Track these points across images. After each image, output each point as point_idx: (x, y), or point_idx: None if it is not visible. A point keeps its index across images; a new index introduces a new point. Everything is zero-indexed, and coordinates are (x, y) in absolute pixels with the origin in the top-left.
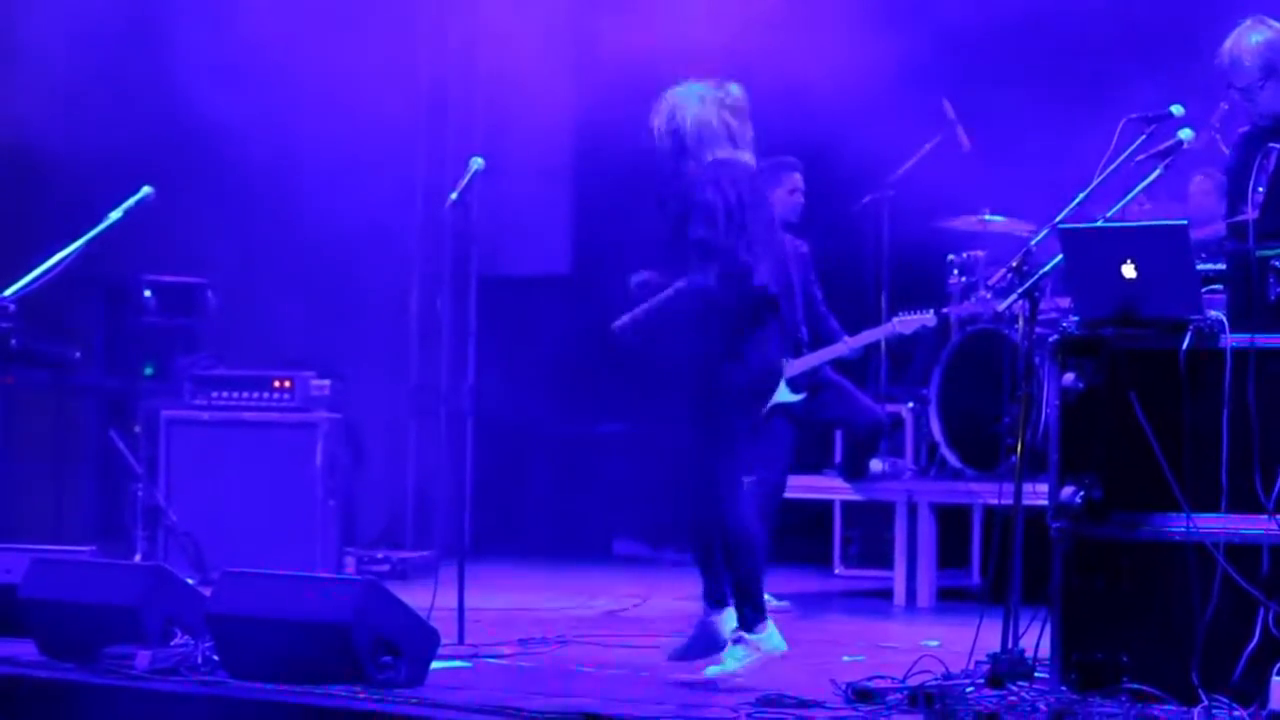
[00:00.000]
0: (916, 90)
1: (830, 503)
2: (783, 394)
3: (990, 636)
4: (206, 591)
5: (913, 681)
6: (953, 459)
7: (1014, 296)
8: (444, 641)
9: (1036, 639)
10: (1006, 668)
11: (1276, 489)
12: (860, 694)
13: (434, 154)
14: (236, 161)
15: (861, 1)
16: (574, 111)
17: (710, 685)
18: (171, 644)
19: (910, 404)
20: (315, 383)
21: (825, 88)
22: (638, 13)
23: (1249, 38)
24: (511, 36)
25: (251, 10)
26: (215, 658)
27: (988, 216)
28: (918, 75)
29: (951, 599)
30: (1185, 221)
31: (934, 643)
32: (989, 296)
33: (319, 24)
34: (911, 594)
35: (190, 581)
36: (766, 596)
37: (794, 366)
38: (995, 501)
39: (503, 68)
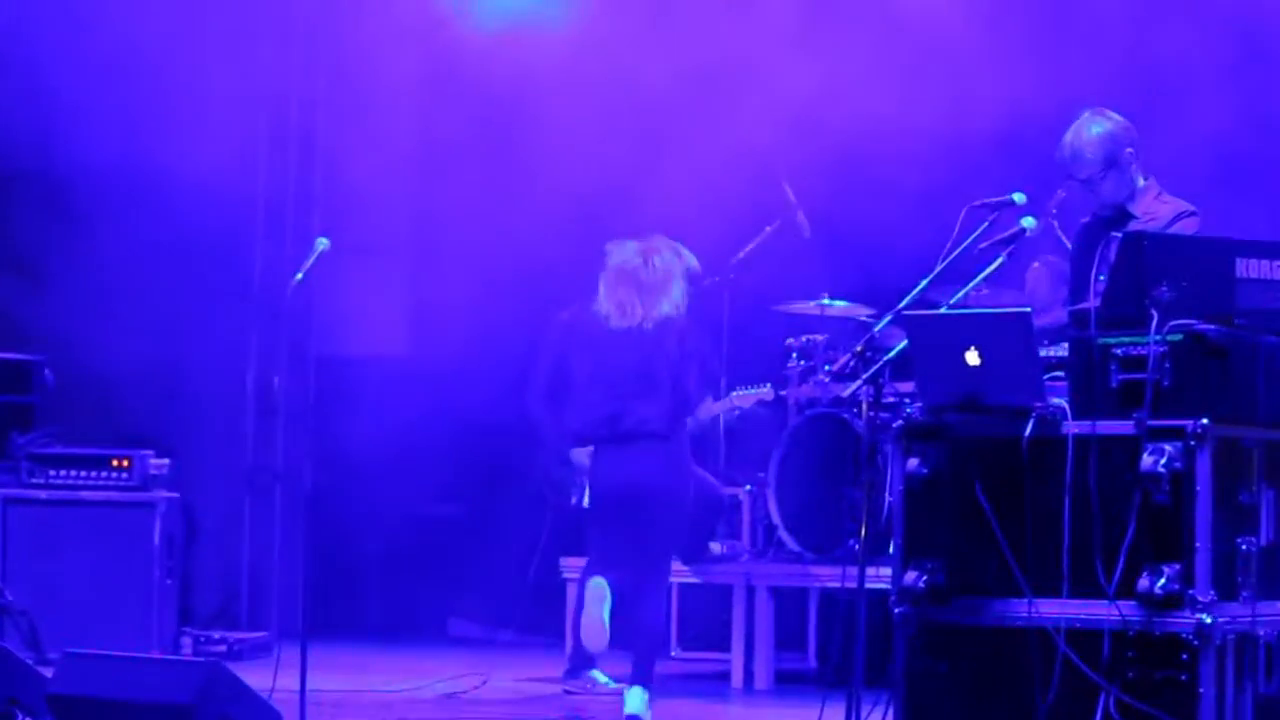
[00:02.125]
0: (758, 174)
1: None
2: None
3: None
4: (46, 672)
5: None
6: (791, 542)
7: (858, 382)
8: None
9: None
10: None
11: (1117, 575)
12: None
13: (272, 232)
14: (74, 237)
15: (702, 87)
16: (413, 193)
17: None
18: None
19: (748, 486)
20: (154, 461)
21: (666, 170)
22: (478, 98)
23: (1089, 129)
24: (351, 116)
25: (90, 86)
26: None
27: (826, 301)
28: (759, 159)
29: (790, 682)
30: (1029, 309)
31: None
32: (828, 380)
33: (160, 100)
34: (749, 677)
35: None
36: (601, 677)
37: None
38: (834, 584)
39: (342, 146)
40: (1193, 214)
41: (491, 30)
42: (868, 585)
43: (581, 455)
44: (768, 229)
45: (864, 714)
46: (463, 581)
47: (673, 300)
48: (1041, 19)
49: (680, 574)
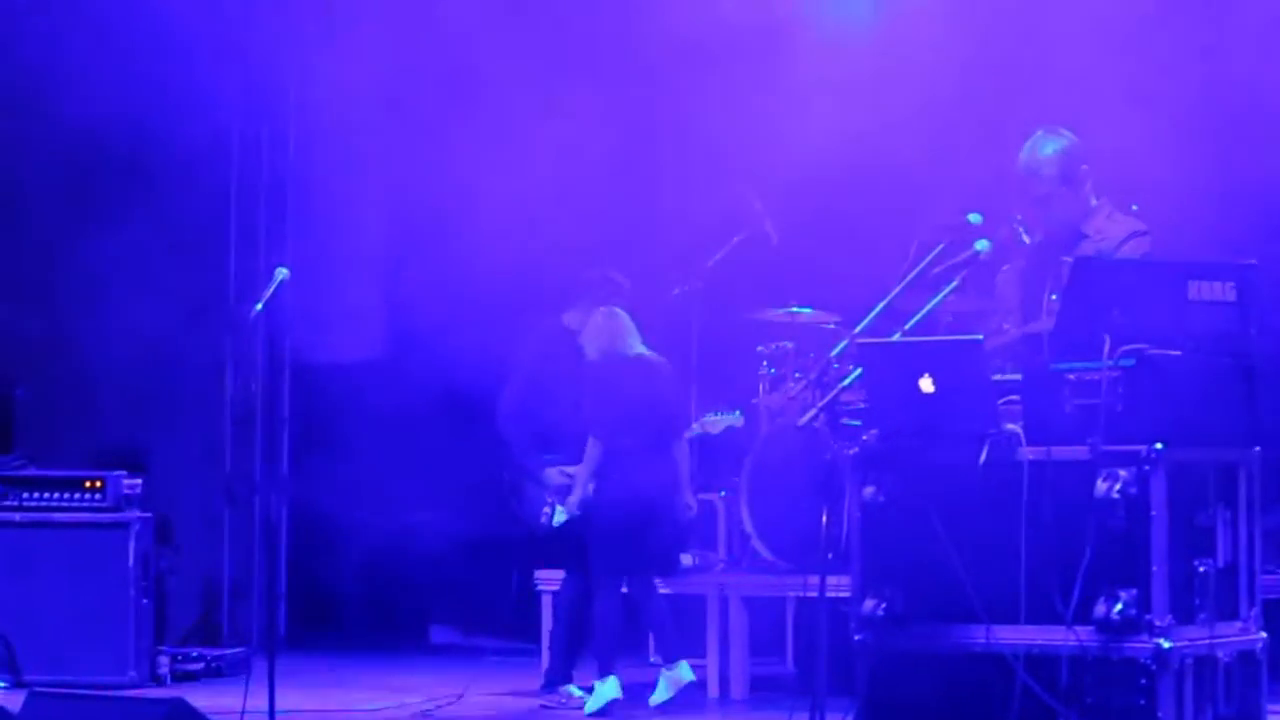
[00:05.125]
0: (724, 183)
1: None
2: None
3: None
4: (17, 697)
5: None
6: (764, 551)
7: (813, 411)
8: None
9: None
10: None
11: (1074, 600)
12: None
13: (246, 239)
14: (44, 250)
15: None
16: (388, 198)
17: None
18: None
19: (721, 493)
20: (127, 481)
21: (634, 178)
22: (453, 99)
23: (1044, 147)
24: (324, 120)
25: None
26: None
27: (795, 309)
28: (725, 168)
29: (766, 688)
30: (980, 337)
31: None
32: (797, 391)
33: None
34: (725, 685)
35: (2, 684)
36: (576, 691)
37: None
38: (807, 594)
39: (317, 152)
40: (1145, 233)
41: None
42: (840, 595)
43: (554, 475)
44: (735, 238)
45: None
46: (443, 589)
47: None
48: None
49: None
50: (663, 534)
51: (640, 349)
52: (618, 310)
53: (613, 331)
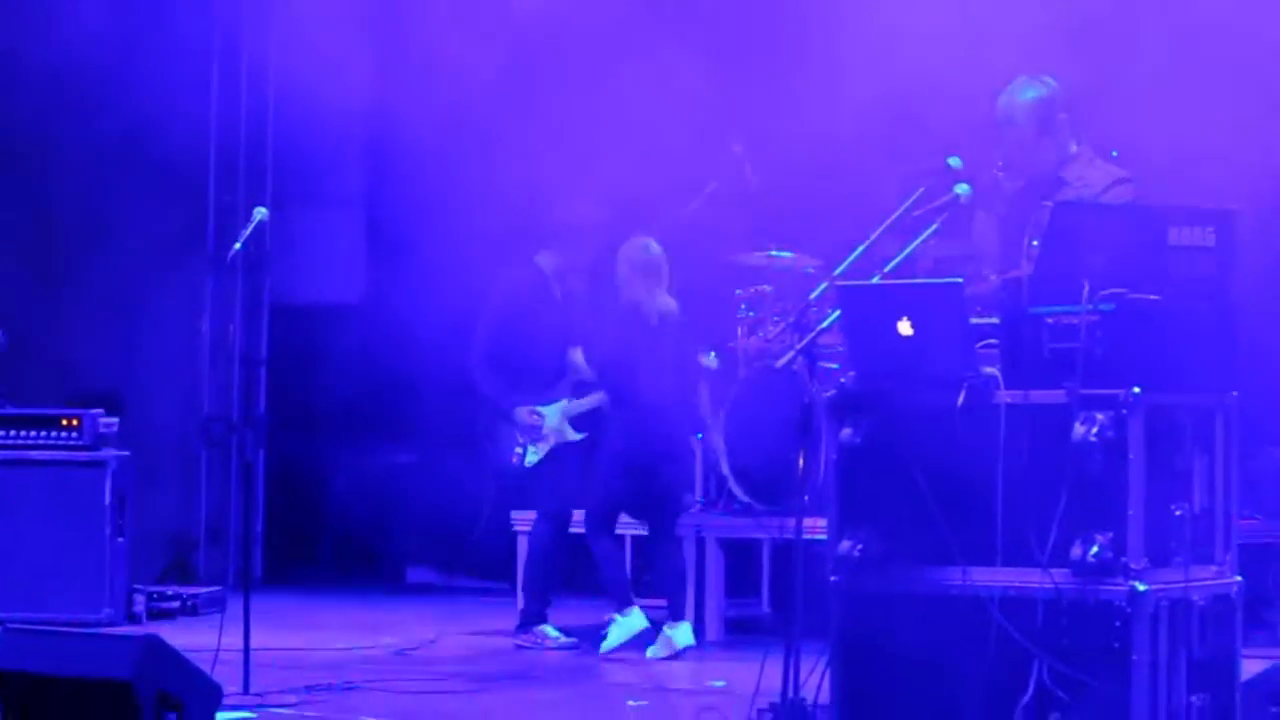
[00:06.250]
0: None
1: (621, 537)
2: (567, 434)
3: (776, 675)
4: None
5: None
6: (741, 493)
7: (791, 354)
8: (229, 690)
9: (818, 685)
10: (787, 717)
11: (1050, 543)
12: None
13: (225, 180)
14: (20, 190)
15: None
16: (366, 140)
17: None
18: None
19: (699, 435)
20: (104, 420)
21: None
22: (431, 46)
23: (1023, 94)
24: (302, 61)
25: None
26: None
27: (774, 252)
28: (706, 112)
29: (742, 630)
30: (960, 279)
31: (720, 683)
32: (775, 334)
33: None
34: (700, 626)
35: None
36: (552, 631)
37: (575, 406)
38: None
39: (295, 93)
40: (1128, 180)
41: None
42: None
43: (524, 415)
44: (714, 182)
45: (805, 670)
46: (421, 529)
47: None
48: None
49: (631, 526)
50: (671, 479)
51: (665, 296)
52: (652, 245)
53: (647, 270)
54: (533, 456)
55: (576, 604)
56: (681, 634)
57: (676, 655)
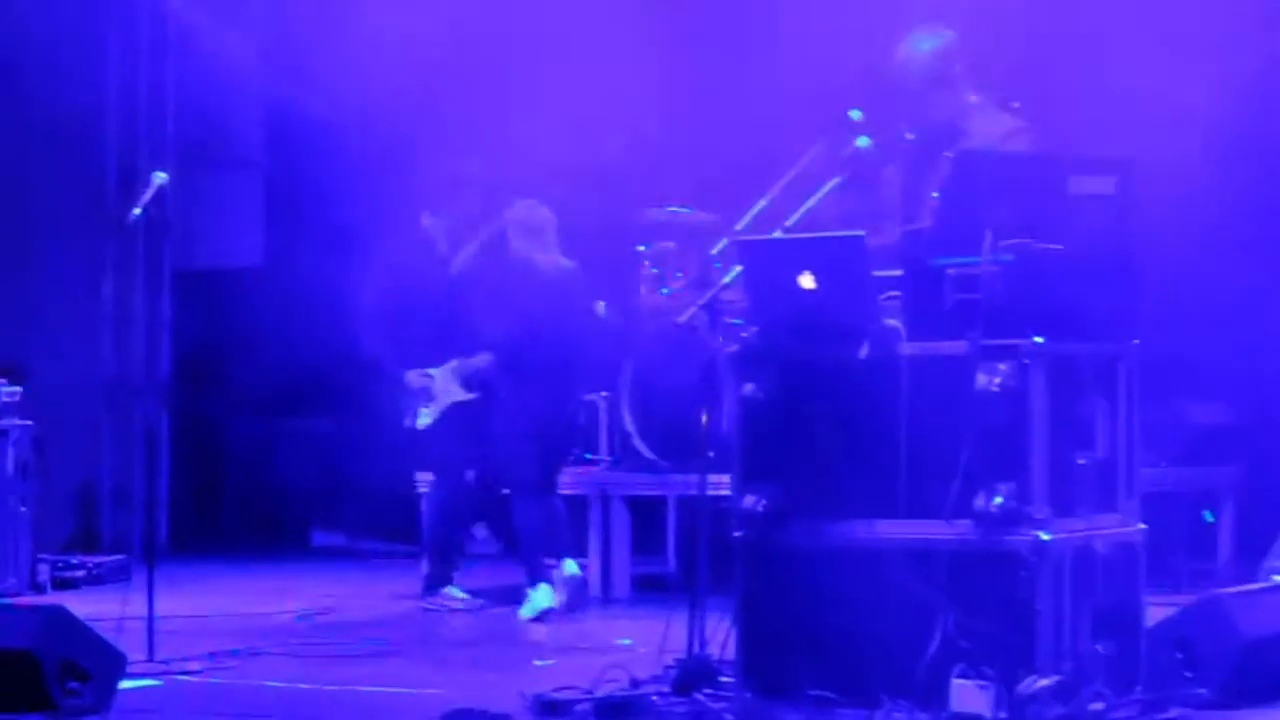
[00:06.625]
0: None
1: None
2: (457, 394)
3: (682, 632)
4: None
5: (600, 691)
6: (645, 450)
7: (692, 309)
8: (133, 658)
9: (724, 640)
10: (693, 674)
11: (953, 495)
12: (547, 706)
13: (125, 144)
14: None
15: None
16: (264, 102)
17: (397, 701)
18: None
19: (604, 393)
20: (5, 389)
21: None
22: (331, 8)
23: (919, 46)
24: (203, 26)
25: None
26: None
27: (676, 208)
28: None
29: (648, 589)
30: (862, 233)
31: (626, 641)
32: (677, 290)
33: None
34: (607, 584)
35: None
36: (458, 593)
37: (466, 366)
38: (688, 494)
39: (195, 56)
40: (1025, 130)
41: None
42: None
43: (415, 377)
44: (618, 139)
45: (710, 627)
46: (325, 493)
47: None
48: None
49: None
50: (554, 439)
51: (555, 254)
52: (538, 206)
53: (532, 229)
54: (425, 418)
55: (481, 565)
56: (541, 594)
57: (541, 617)
